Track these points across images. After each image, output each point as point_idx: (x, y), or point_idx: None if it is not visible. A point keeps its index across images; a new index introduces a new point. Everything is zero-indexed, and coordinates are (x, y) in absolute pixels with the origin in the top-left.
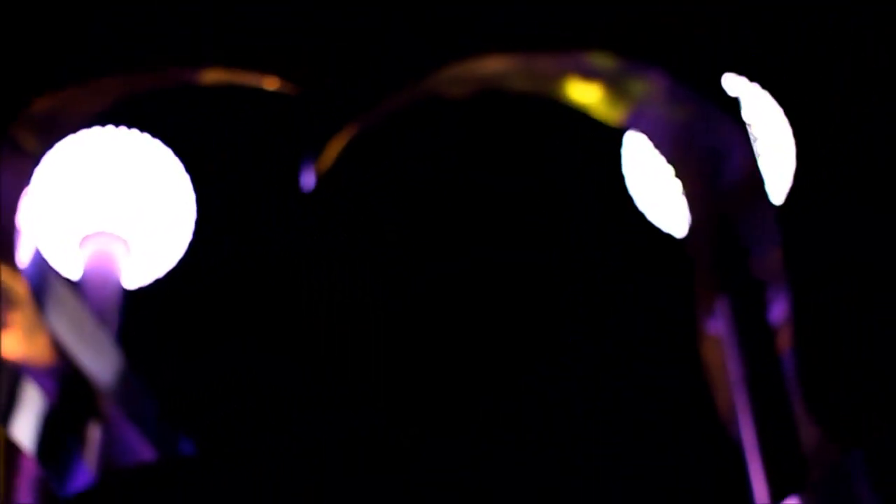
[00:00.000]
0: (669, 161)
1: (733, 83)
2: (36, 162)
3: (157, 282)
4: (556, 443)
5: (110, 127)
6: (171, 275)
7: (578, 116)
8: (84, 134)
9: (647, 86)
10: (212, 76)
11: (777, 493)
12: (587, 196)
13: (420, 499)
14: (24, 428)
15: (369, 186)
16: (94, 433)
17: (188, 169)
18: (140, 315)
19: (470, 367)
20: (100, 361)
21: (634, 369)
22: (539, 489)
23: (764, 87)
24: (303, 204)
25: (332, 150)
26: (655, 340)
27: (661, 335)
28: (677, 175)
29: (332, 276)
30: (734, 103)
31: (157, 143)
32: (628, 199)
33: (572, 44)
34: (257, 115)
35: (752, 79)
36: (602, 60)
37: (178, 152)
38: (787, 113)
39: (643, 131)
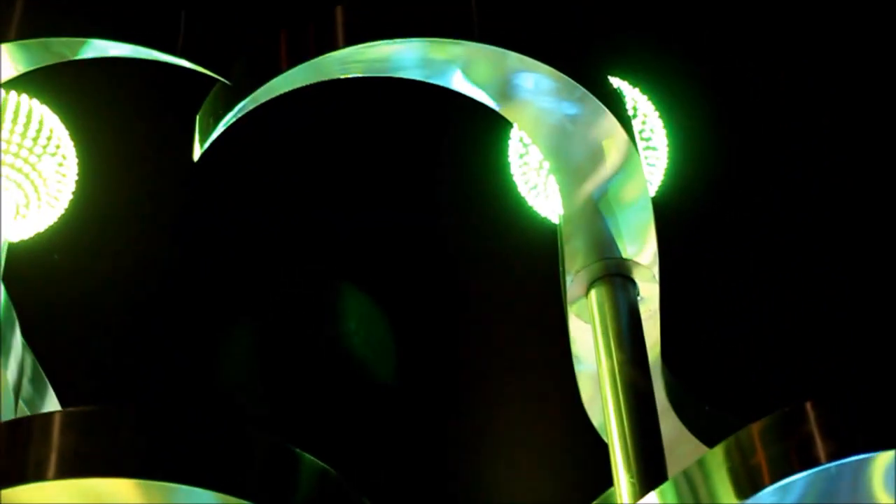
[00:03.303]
0: (547, 155)
1: (615, 82)
2: None
3: (39, 237)
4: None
5: None
6: (53, 231)
7: (468, 104)
8: None
9: (534, 80)
10: (103, 48)
11: (639, 486)
12: (472, 183)
13: None
14: None
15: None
16: None
17: (74, 134)
18: (21, 272)
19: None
20: None
21: (505, 354)
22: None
23: (643, 89)
24: (188, 176)
25: (222, 124)
26: (525, 327)
27: (530, 322)
28: (553, 169)
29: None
30: (617, 99)
31: (44, 108)
32: (511, 186)
33: (465, 34)
34: (148, 86)
35: (632, 82)
36: (492, 53)
37: (65, 118)
38: (662, 112)
39: (525, 123)
